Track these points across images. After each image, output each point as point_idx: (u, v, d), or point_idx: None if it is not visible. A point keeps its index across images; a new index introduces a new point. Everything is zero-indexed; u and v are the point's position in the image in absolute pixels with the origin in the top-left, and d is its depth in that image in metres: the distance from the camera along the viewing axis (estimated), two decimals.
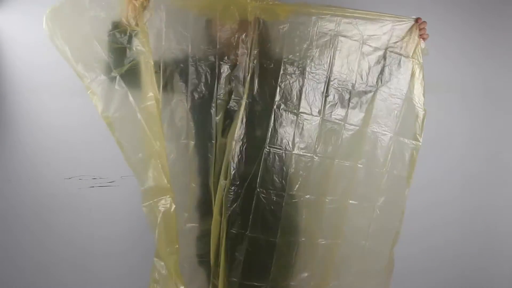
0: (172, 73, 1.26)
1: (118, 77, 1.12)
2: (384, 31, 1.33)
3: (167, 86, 1.27)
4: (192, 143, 1.30)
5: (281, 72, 1.27)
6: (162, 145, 1.17)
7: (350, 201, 1.37)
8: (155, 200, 1.16)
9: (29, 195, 1.69)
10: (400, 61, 1.36)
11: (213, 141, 1.27)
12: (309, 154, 1.31)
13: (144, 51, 1.14)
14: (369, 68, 1.35)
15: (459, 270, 1.96)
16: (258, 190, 1.26)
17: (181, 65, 1.26)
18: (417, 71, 1.37)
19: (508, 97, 1.90)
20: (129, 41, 1.13)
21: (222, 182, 1.25)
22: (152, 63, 1.15)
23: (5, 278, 1.72)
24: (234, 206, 1.26)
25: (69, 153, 1.66)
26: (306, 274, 1.37)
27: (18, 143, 1.66)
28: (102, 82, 1.12)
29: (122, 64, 1.13)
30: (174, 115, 1.30)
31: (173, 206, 1.16)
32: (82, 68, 1.12)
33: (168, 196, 1.16)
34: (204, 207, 1.33)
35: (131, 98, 1.13)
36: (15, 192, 1.68)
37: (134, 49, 1.13)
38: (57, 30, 1.10)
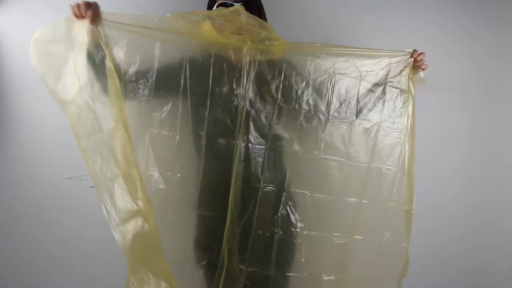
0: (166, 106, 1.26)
1: (91, 100, 1.15)
2: (381, 66, 1.33)
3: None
4: (178, 176, 1.29)
5: (276, 112, 1.27)
6: (131, 167, 1.16)
7: (356, 236, 1.37)
8: (124, 223, 1.15)
9: (29, 195, 1.69)
10: (398, 95, 1.35)
11: (201, 177, 1.27)
12: (307, 192, 1.32)
13: (113, 71, 1.15)
14: (369, 104, 1.34)
15: (459, 270, 1.96)
16: (254, 227, 1.28)
17: (171, 102, 1.26)
18: (411, 105, 1.36)
19: (508, 97, 1.89)
20: (103, 60, 1.16)
21: (217, 220, 1.27)
22: (118, 85, 1.16)
23: (4, 279, 1.72)
24: (231, 243, 1.26)
25: (69, 153, 1.64)
26: None
27: (18, 143, 1.66)
28: (79, 107, 1.15)
29: (102, 84, 1.17)
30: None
31: (146, 226, 1.15)
32: (62, 92, 1.16)
33: (138, 217, 1.15)
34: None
35: (101, 122, 1.15)
36: (15, 192, 1.68)
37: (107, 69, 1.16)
38: (41, 57, 1.15)
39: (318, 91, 1.30)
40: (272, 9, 1.47)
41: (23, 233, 1.71)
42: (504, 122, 1.90)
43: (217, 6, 1.31)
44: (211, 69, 1.24)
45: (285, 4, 1.74)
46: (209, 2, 1.39)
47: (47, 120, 1.65)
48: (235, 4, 1.27)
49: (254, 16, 1.25)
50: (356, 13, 1.77)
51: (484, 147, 1.90)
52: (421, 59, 1.34)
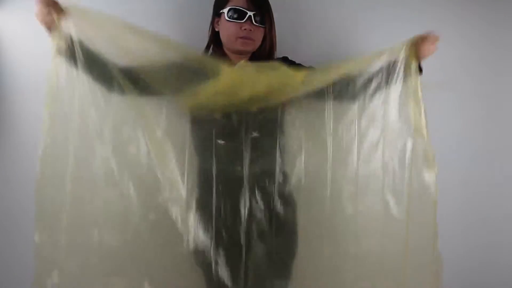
0: None
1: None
2: (376, 68, 1.36)
3: None
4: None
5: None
6: None
7: (386, 198, 1.41)
8: None
9: (29, 195, 1.68)
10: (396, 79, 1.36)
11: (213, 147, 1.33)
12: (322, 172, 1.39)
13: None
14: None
15: (458, 268, 1.97)
16: (275, 197, 1.34)
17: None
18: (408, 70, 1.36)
19: (508, 96, 1.90)
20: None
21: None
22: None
23: (3, 280, 1.71)
24: (252, 215, 1.32)
25: None
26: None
27: (18, 143, 1.66)
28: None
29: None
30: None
31: None
32: None
33: None
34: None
35: None
36: (15, 192, 1.68)
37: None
38: None
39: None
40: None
41: (23, 233, 1.70)
42: (504, 121, 1.91)
43: (228, 11, 1.33)
44: None
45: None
46: (217, 3, 1.41)
47: None
48: (248, 12, 1.31)
49: (260, 63, 1.31)
50: (352, 10, 1.79)
51: (483, 146, 1.91)
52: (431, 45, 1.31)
